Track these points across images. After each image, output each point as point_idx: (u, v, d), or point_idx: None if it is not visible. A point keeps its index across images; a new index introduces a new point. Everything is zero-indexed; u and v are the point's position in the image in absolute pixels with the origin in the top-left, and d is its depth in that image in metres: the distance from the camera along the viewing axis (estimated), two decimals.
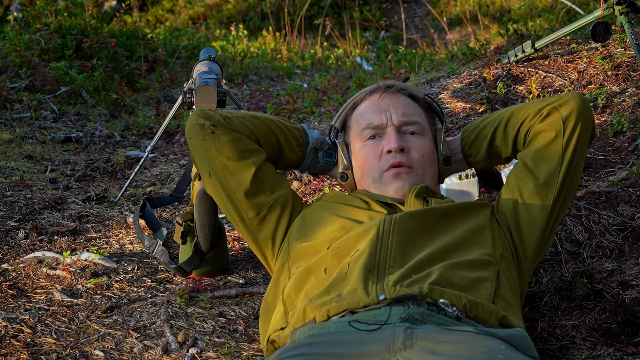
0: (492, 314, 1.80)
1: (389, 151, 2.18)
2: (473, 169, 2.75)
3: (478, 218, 2.05)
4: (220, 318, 2.36)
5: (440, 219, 2.02)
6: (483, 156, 2.22)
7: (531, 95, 3.31)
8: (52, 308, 2.39)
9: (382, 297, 1.77)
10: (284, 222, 2.16)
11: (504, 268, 1.97)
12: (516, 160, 2.18)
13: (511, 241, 2.07)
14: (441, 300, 1.76)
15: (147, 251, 2.77)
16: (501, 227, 2.08)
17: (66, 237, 2.85)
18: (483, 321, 1.78)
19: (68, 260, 2.66)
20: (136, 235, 2.88)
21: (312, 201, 2.52)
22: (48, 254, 2.70)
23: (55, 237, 2.86)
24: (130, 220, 3.00)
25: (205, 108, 2.20)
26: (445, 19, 7.81)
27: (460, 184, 2.72)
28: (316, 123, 3.95)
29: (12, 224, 2.96)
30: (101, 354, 2.16)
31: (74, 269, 2.61)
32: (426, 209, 2.04)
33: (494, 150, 2.20)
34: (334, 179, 3.02)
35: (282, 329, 1.90)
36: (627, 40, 3.38)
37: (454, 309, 1.76)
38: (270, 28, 7.68)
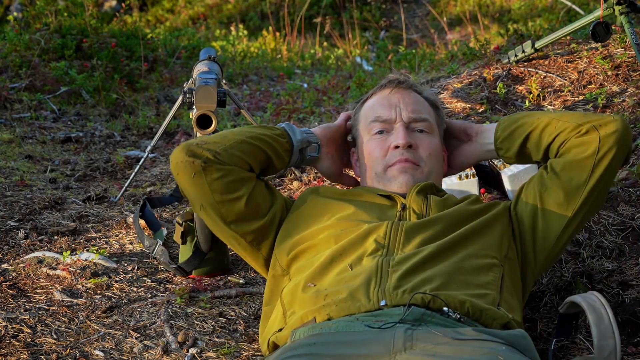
0: (496, 320, 1.79)
1: (397, 147, 2.17)
2: (473, 168, 2.75)
3: (485, 224, 2.03)
4: (220, 318, 2.36)
5: (446, 227, 2.00)
6: (514, 154, 2.18)
7: (531, 95, 3.30)
8: (52, 308, 2.39)
9: (382, 302, 1.77)
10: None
11: (507, 271, 1.96)
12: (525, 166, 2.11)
13: (520, 244, 2.06)
14: (444, 309, 1.76)
15: (147, 251, 2.77)
16: (512, 226, 2.07)
17: (66, 237, 2.85)
18: (485, 325, 1.78)
19: (68, 260, 2.66)
20: (136, 235, 2.88)
21: (303, 191, 2.49)
22: (48, 254, 2.70)
23: (55, 237, 2.86)
24: (130, 220, 3.00)
25: (191, 142, 2.09)
26: (445, 19, 7.81)
27: (460, 184, 2.72)
28: (316, 123, 3.94)
29: (12, 224, 2.96)
30: (101, 354, 2.16)
31: (74, 269, 2.61)
32: (432, 218, 2.02)
33: (525, 151, 2.17)
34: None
35: (281, 330, 1.90)
36: (627, 40, 3.38)
37: (456, 313, 1.76)
38: (270, 28, 7.68)
